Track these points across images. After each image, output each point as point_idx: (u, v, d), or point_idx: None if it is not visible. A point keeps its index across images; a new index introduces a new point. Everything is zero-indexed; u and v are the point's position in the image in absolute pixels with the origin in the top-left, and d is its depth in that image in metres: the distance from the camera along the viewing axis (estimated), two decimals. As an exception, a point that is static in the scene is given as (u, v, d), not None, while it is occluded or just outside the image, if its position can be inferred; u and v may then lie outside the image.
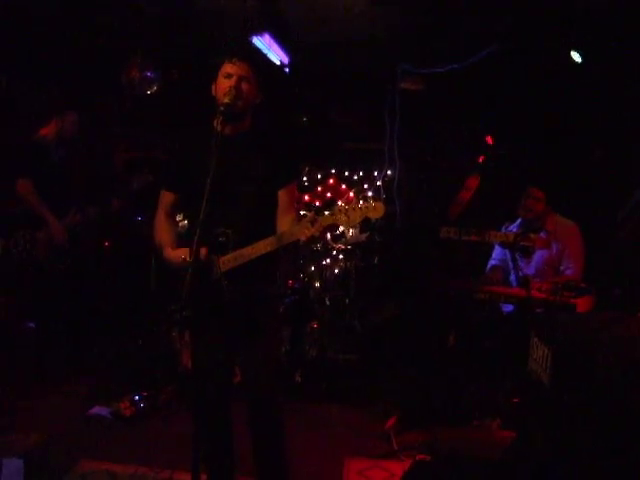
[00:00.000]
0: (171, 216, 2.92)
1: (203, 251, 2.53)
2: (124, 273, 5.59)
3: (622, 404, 1.64)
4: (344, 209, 2.42)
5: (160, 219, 2.88)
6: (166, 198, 2.88)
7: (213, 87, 2.68)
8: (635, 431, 1.62)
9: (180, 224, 3.34)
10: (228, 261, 2.60)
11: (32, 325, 4.81)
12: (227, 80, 2.60)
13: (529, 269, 4.43)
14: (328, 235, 5.47)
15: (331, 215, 2.45)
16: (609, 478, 1.67)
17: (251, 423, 2.79)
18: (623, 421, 1.64)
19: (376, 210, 2.41)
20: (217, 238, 2.63)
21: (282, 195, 2.74)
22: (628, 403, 1.64)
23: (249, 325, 2.74)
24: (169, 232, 2.85)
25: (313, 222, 2.47)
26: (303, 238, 2.49)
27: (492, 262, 4.70)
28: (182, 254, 2.64)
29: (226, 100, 2.53)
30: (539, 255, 4.41)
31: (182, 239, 2.89)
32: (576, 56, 4.65)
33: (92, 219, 4.79)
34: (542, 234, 4.33)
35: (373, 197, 3.00)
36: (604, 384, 1.71)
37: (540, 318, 3.45)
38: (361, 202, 2.42)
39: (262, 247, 2.56)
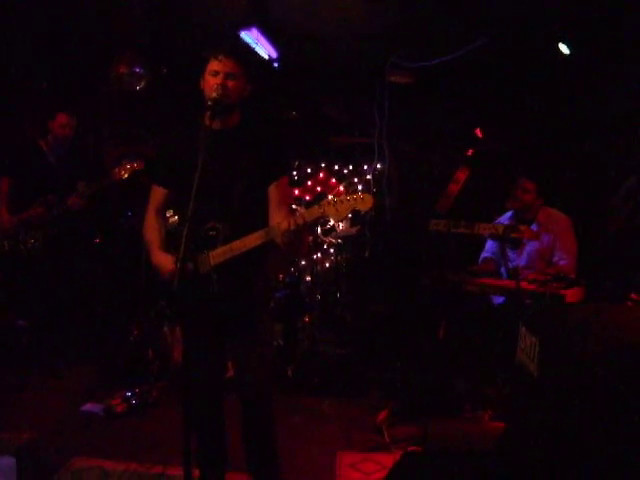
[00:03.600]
0: (161, 213, 2.90)
1: (189, 267, 2.52)
2: (115, 269, 5.58)
3: (611, 393, 1.65)
4: (332, 202, 2.42)
5: (150, 216, 2.86)
6: (157, 193, 2.86)
7: (201, 82, 2.67)
8: (624, 420, 1.63)
9: (170, 220, 3.33)
10: (217, 255, 2.60)
11: (22, 323, 4.81)
12: (214, 78, 2.58)
13: (520, 260, 4.45)
14: (319, 229, 5.47)
15: (319, 208, 2.45)
16: (598, 468, 1.68)
17: (243, 418, 2.80)
18: (612, 411, 1.64)
19: (364, 202, 2.41)
20: (207, 233, 2.63)
21: (273, 190, 2.72)
22: (617, 392, 1.64)
23: (240, 320, 2.74)
24: (157, 231, 2.82)
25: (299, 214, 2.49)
26: (285, 226, 2.47)
27: (485, 254, 4.72)
28: (169, 262, 2.62)
29: (214, 95, 2.53)
30: (530, 247, 4.42)
31: (172, 235, 2.88)
32: (564, 48, 4.66)
33: (54, 213, 4.72)
34: (533, 226, 4.35)
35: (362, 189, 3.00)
36: (592, 373, 1.71)
37: (529, 309, 3.46)
38: (349, 194, 2.43)
39: (251, 241, 2.55)
